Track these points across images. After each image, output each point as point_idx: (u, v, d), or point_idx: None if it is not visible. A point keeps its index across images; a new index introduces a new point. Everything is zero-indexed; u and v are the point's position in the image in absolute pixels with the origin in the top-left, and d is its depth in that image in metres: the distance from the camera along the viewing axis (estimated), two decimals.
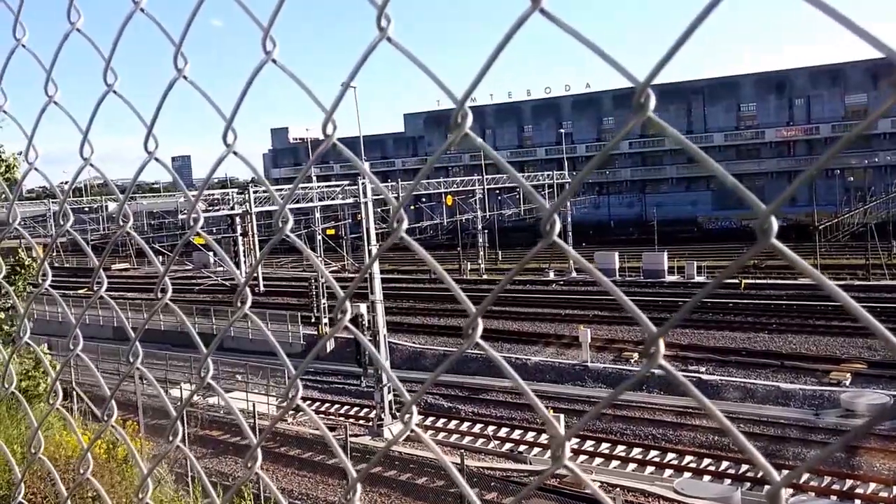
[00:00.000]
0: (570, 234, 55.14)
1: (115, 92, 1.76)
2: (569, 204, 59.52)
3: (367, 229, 25.05)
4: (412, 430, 1.29)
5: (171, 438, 1.70)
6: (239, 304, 1.59)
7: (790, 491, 17.43)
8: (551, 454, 1.11)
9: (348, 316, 1.41)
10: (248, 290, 1.60)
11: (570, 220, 57.87)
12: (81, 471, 1.81)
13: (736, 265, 1.03)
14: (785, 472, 0.98)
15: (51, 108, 1.97)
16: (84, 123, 1.88)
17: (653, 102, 0.98)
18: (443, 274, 1.28)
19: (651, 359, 1.02)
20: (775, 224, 0.91)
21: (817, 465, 19.29)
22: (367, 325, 24.38)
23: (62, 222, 1.90)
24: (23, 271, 13.11)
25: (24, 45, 1.94)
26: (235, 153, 1.55)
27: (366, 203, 25.35)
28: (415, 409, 1.27)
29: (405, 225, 1.29)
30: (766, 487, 0.93)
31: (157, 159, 1.71)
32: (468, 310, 1.21)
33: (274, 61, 1.44)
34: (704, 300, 35.26)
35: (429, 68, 1.22)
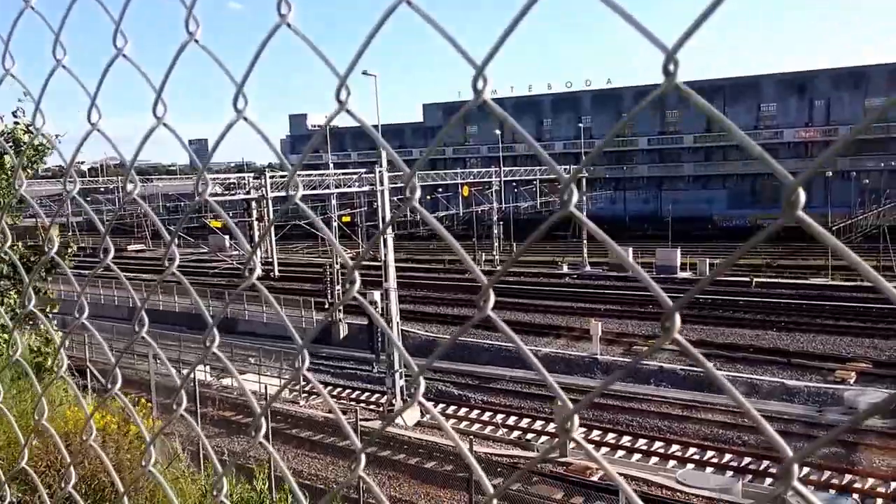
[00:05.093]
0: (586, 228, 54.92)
1: (124, 55, 1.72)
2: (585, 198, 59.28)
3: (383, 217, 25.04)
4: (419, 401, 1.26)
5: (175, 407, 1.68)
6: (247, 274, 1.56)
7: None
8: (559, 427, 1.08)
9: (357, 286, 1.38)
10: (256, 258, 1.57)
11: (585, 213, 57.46)
12: (84, 437, 1.80)
13: (763, 235, 1.00)
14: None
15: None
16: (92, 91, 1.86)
17: (681, 72, 0.95)
18: (453, 243, 1.24)
19: (667, 332, 0.99)
20: (802, 196, 0.88)
21: (828, 444, 19.67)
22: (380, 311, 24.43)
23: (69, 188, 1.88)
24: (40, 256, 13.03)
25: (32, 7, 1.91)
26: (246, 119, 1.52)
27: (382, 191, 25.32)
28: (422, 380, 1.24)
29: (418, 194, 1.26)
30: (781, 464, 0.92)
31: (165, 125, 1.67)
32: (480, 281, 1.17)
33: (288, 25, 1.40)
34: (714, 297, 35.14)
35: (449, 34, 1.18)
